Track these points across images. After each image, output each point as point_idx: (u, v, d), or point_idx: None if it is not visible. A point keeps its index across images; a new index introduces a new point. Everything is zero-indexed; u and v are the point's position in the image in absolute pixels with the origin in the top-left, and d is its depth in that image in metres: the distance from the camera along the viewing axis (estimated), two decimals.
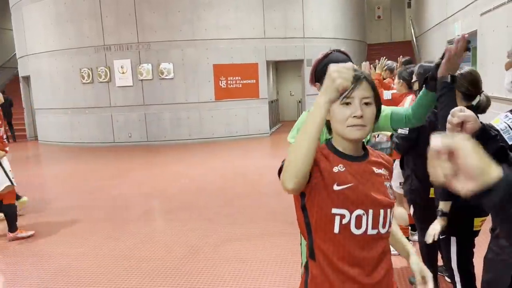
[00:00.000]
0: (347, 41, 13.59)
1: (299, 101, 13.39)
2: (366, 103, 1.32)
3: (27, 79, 14.25)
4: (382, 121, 1.96)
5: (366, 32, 16.55)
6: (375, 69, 4.93)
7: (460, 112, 1.30)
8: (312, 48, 12.31)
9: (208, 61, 11.70)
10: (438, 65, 1.88)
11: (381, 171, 1.37)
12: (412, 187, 3.11)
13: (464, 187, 0.73)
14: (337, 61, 1.59)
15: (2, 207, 4.74)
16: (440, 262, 3.00)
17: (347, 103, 1.31)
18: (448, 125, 1.31)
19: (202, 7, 11.51)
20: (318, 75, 1.90)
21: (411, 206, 3.22)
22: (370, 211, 1.27)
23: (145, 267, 3.82)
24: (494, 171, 0.72)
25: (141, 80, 11.80)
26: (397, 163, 3.71)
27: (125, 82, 11.86)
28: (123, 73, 11.82)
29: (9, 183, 4.62)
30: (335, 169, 1.28)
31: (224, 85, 11.90)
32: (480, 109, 2.37)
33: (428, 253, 3.07)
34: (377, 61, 4.92)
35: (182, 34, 11.58)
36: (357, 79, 1.29)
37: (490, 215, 2.16)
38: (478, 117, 1.32)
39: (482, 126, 1.34)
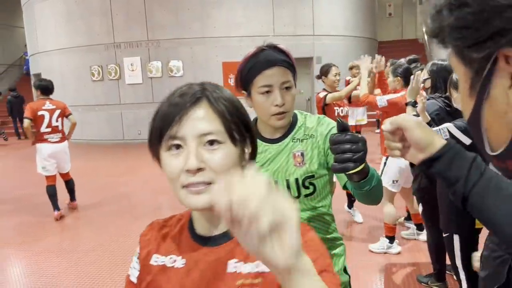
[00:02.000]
0: (357, 38, 13.48)
1: (308, 99, 13.33)
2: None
3: (38, 76, 14.36)
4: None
5: (377, 29, 16.40)
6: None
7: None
8: (322, 46, 12.23)
9: (217, 58, 11.69)
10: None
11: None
12: (421, 186, 3.08)
13: (414, 157, 0.83)
14: (268, 61, 1.33)
15: (69, 182, 5.57)
16: (448, 261, 2.95)
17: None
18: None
19: (211, 4, 11.50)
20: (244, 80, 1.40)
21: (420, 205, 3.19)
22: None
23: None
24: (438, 141, 0.80)
25: (151, 77, 11.83)
26: (394, 161, 3.64)
27: (135, 80, 11.91)
28: (132, 70, 11.87)
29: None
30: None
31: (233, 83, 11.83)
32: None
33: (436, 251, 3.07)
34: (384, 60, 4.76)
35: (192, 32, 11.59)
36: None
37: None
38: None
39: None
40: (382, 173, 3.70)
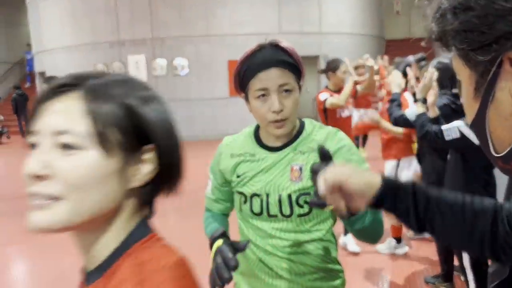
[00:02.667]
0: (365, 36, 13.34)
1: (314, 99, 13.24)
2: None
3: (43, 74, 14.38)
4: None
5: (384, 27, 16.24)
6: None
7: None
8: (329, 44, 12.10)
9: (223, 57, 11.59)
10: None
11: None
12: (430, 183, 3.01)
13: (361, 205, 0.83)
14: (263, 63, 1.18)
15: None
16: (456, 262, 2.96)
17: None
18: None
19: (216, 2, 11.42)
20: (240, 83, 1.26)
21: None
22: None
23: None
24: (375, 179, 0.82)
25: (155, 75, 11.77)
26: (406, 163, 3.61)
27: (139, 78, 11.84)
28: (137, 68, 11.82)
29: None
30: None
31: None
32: None
33: (444, 252, 3.07)
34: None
35: (197, 30, 11.50)
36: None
37: None
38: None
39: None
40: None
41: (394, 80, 3.13)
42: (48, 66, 13.34)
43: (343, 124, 3.60)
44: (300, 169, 1.23)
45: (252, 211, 1.28)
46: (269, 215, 1.25)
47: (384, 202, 0.82)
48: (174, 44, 11.58)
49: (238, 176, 1.30)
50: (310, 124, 1.31)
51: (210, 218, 1.41)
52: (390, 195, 0.81)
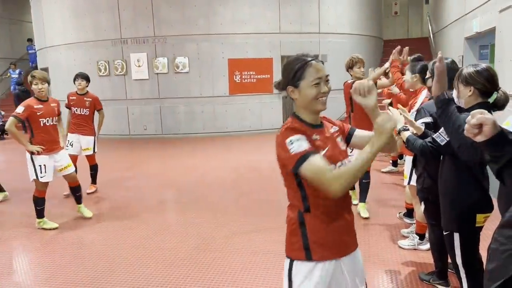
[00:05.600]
0: (363, 37, 13.49)
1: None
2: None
3: (45, 71, 14.49)
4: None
5: (383, 28, 16.38)
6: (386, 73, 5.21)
7: (479, 115, 1.35)
8: (328, 44, 12.27)
9: (223, 55, 11.75)
10: None
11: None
12: (425, 185, 3.14)
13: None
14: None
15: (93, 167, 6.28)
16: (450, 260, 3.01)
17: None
18: (466, 126, 1.38)
19: (218, 1, 11.56)
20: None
21: (422, 203, 3.24)
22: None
23: (158, 256, 3.91)
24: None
25: (157, 73, 11.92)
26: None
27: (141, 75, 12.00)
28: (139, 66, 11.96)
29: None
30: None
31: (238, 80, 11.95)
32: (498, 106, 2.37)
33: (438, 250, 3.09)
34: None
35: (198, 29, 11.65)
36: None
37: (499, 209, 2.18)
38: (495, 119, 1.37)
39: (500, 130, 1.37)
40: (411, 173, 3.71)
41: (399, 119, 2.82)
42: (51, 62, 13.47)
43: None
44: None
45: None
46: None
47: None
48: (175, 43, 11.73)
49: None
50: None
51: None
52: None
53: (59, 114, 4.98)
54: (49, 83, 4.87)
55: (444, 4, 12.23)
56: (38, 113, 4.66)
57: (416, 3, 18.90)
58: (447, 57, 3.07)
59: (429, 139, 2.55)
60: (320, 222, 1.67)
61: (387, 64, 4.88)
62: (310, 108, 1.69)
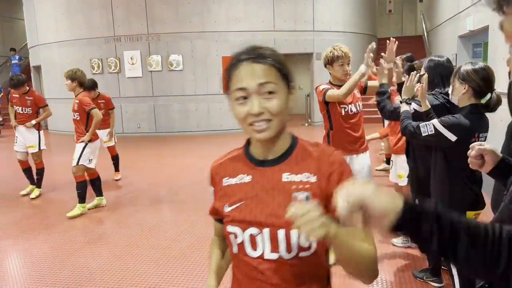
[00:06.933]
0: (357, 34, 13.50)
1: (308, 95, 13.36)
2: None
3: (38, 68, 14.39)
4: None
5: (377, 26, 16.41)
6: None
7: (478, 146, 1.44)
8: (322, 41, 12.26)
9: (217, 53, 11.71)
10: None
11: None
12: (419, 177, 3.14)
13: (381, 227, 0.79)
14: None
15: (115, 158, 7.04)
16: None
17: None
18: (469, 159, 1.48)
19: None
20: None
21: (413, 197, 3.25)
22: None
23: (152, 255, 3.89)
24: (398, 201, 0.78)
25: (151, 71, 11.86)
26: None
27: (135, 73, 11.94)
28: (132, 64, 11.90)
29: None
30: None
31: None
32: (489, 107, 2.36)
33: None
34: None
35: (192, 26, 11.60)
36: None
37: (491, 207, 2.19)
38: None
39: (502, 157, 1.44)
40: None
41: (382, 73, 3.09)
42: (43, 60, 13.36)
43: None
44: None
45: None
46: None
47: (404, 226, 0.78)
48: (169, 40, 11.68)
49: None
50: None
51: None
52: (413, 219, 0.78)
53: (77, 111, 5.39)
54: (73, 80, 5.14)
55: (438, 2, 12.28)
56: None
57: (410, 1, 18.95)
58: (442, 55, 3.08)
59: (416, 123, 2.54)
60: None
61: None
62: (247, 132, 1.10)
